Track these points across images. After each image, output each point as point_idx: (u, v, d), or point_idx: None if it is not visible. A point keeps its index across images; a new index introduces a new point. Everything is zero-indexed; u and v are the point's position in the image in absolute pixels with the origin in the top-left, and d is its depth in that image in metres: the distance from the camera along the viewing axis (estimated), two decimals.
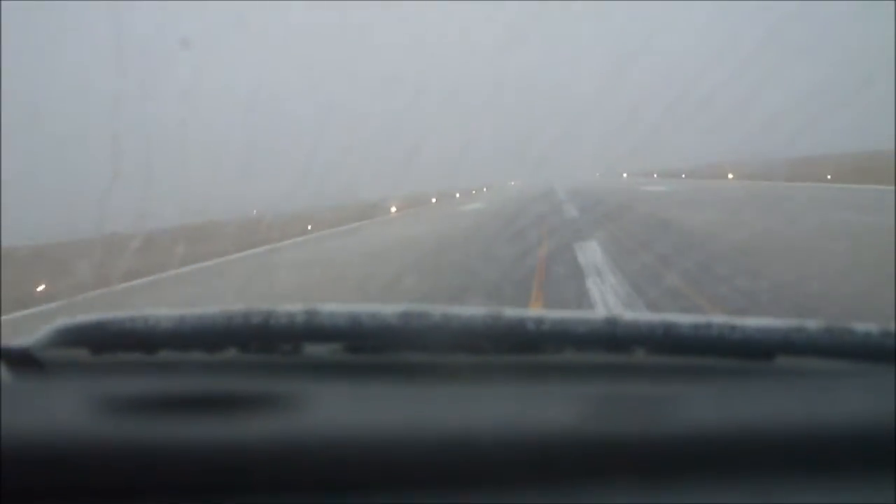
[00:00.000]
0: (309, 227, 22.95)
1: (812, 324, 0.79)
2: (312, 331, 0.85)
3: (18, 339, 0.92)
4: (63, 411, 0.70)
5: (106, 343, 0.89)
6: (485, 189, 63.47)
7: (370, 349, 0.84)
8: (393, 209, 29.88)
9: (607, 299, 6.24)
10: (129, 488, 0.62)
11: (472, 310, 0.84)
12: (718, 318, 0.80)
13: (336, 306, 0.86)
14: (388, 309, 0.84)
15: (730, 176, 31.68)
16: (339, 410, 0.70)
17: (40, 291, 11.20)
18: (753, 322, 0.80)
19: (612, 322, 0.81)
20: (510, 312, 0.83)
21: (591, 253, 9.32)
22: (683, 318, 0.81)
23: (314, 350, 0.86)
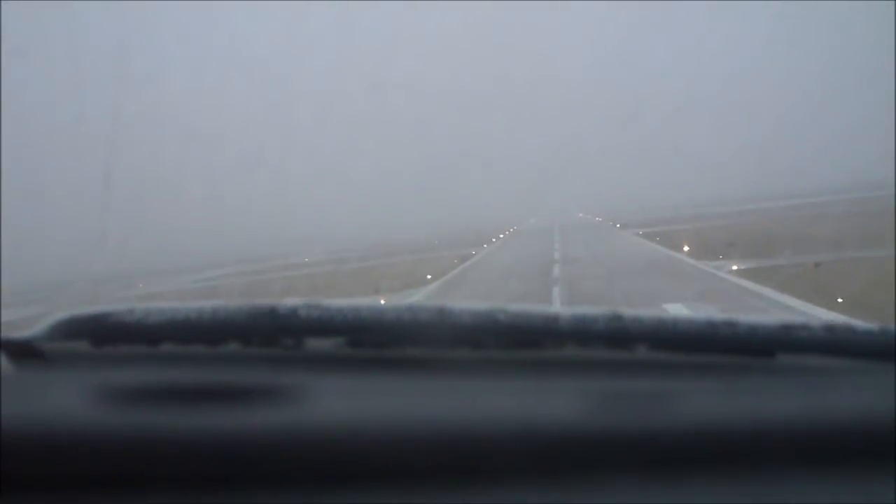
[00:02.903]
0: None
1: (814, 322, 0.80)
2: (315, 325, 0.85)
3: (19, 332, 0.92)
4: (65, 402, 0.70)
5: (107, 335, 0.89)
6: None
7: (372, 344, 0.85)
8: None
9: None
10: (129, 479, 0.62)
11: (475, 305, 0.84)
12: (720, 316, 0.81)
13: (339, 301, 0.87)
14: (391, 304, 0.85)
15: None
16: (341, 404, 0.70)
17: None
18: (755, 319, 0.81)
19: (614, 318, 0.81)
20: (512, 308, 0.83)
21: None
22: (685, 315, 0.82)
23: (316, 344, 0.86)
